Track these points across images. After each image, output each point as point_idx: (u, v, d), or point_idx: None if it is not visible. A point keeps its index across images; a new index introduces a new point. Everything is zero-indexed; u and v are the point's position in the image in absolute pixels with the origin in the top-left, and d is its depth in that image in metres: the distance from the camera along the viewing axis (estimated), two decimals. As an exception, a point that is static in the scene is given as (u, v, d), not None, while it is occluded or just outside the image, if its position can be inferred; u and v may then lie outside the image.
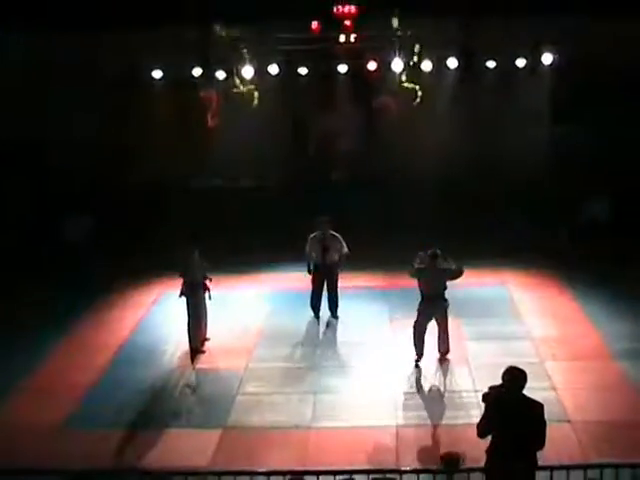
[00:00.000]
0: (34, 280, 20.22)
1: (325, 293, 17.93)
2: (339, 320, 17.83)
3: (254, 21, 21.49)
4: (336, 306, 17.97)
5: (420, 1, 21.12)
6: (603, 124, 22.76)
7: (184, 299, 16.31)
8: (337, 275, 17.79)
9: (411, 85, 22.47)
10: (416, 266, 15.51)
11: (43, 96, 22.47)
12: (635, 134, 22.67)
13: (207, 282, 16.45)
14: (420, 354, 15.67)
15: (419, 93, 22.42)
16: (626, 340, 16.20)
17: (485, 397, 9.81)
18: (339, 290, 17.96)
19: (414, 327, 15.58)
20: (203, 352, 16.42)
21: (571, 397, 14.00)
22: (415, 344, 15.62)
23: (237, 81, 22.64)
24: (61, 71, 22.21)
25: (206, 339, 16.76)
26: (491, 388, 9.75)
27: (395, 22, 21.71)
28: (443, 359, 15.75)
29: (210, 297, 16.54)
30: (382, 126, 24.53)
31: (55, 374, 15.72)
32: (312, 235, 17.47)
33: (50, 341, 17.07)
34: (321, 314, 18.00)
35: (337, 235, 17.46)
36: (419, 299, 15.53)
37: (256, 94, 22.71)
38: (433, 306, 15.46)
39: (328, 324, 17.75)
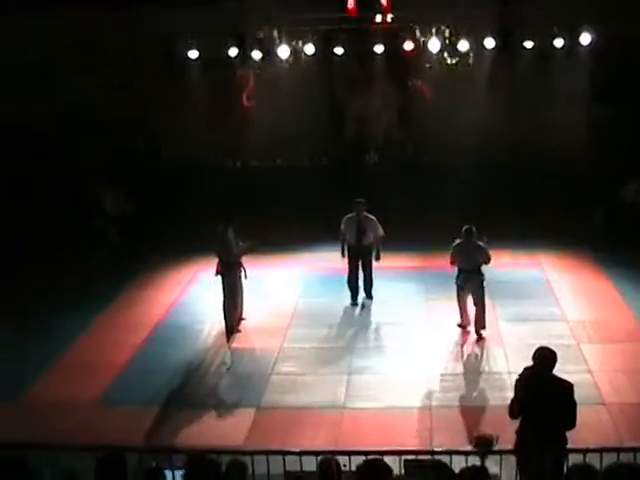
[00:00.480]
0: (79, 252, 20.56)
1: (360, 274, 17.88)
2: (374, 301, 17.80)
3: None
4: (371, 286, 17.92)
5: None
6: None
7: (219, 278, 16.31)
8: (371, 257, 17.69)
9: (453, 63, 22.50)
10: (453, 244, 15.69)
11: (81, 76, 22.56)
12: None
13: (247, 250, 16.38)
14: (465, 323, 16.13)
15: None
16: (663, 323, 16.10)
17: (516, 384, 9.81)
18: (374, 271, 17.88)
19: (457, 299, 15.95)
20: (239, 331, 16.47)
21: (606, 380, 13.92)
22: (460, 315, 16.08)
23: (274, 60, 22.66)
24: (101, 53, 22.29)
25: (242, 318, 16.80)
26: (525, 369, 9.75)
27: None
28: (479, 338, 15.84)
29: (246, 276, 16.53)
30: (419, 108, 24.48)
31: (92, 350, 15.85)
32: (347, 216, 17.38)
33: (88, 317, 17.24)
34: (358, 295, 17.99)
35: (372, 217, 17.38)
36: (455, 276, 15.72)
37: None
38: (470, 279, 15.67)
39: (363, 305, 17.74)
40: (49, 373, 14.92)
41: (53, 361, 15.33)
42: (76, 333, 16.51)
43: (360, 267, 17.73)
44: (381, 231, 17.45)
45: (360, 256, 17.59)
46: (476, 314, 15.85)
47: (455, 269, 15.87)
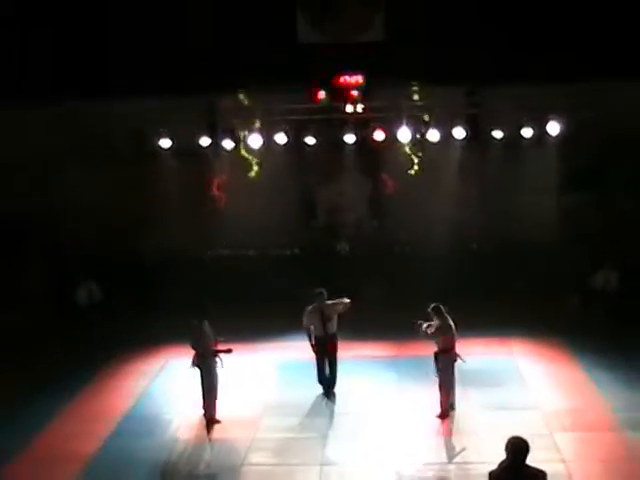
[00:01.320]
0: (46, 345, 20.46)
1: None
2: (346, 390, 17.58)
3: (262, 90, 21.67)
4: (335, 378, 17.73)
5: (427, 70, 21.31)
6: (609, 194, 22.88)
7: (196, 370, 16.23)
8: (337, 345, 17.61)
9: (411, 153, 22.67)
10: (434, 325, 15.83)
11: (55, 167, 22.73)
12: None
13: (220, 351, 16.30)
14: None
15: (415, 163, 22.61)
16: (635, 411, 16.00)
17: (490, 474, 9.72)
18: (338, 360, 17.74)
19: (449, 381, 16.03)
20: (218, 422, 16.30)
21: (580, 469, 13.82)
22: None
23: (243, 151, 22.85)
24: (72, 142, 22.44)
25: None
26: (500, 463, 9.67)
27: (415, 95, 22.00)
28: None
29: (222, 365, 16.41)
30: (390, 197, 24.69)
31: (56, 442, 15.61)
32: (309, 309, 17.30)
33: (53, 408, 17.01)
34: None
35: (333, 301, 17.37)
36: (429, 364, 15.93)
37: (255, 165, 22.92)
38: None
39: (334, 394, 17.58)
40: (11, 466, 14.63)
41: (16, 453, 15.05)
42: (43, 423, 16.30)
43: (326, 358, 17.61)
44: (345, 301, 17.44)
45: (327, 346, 17.45)
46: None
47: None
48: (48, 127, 22.23)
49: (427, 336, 15.97)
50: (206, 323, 16.21)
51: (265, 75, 20.95)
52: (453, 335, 15.84)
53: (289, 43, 22.02)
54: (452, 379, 16.07)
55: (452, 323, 15.84)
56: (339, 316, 17.43)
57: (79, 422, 16.46)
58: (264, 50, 21.47)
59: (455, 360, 15.93)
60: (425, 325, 15.97)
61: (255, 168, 23.05)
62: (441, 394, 16.07)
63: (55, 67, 21.69)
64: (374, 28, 22.22)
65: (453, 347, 15.91)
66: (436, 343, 15.90)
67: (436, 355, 15.96)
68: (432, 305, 15.89)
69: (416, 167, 22.82)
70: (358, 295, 18.55)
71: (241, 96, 22.40)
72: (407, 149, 22.72)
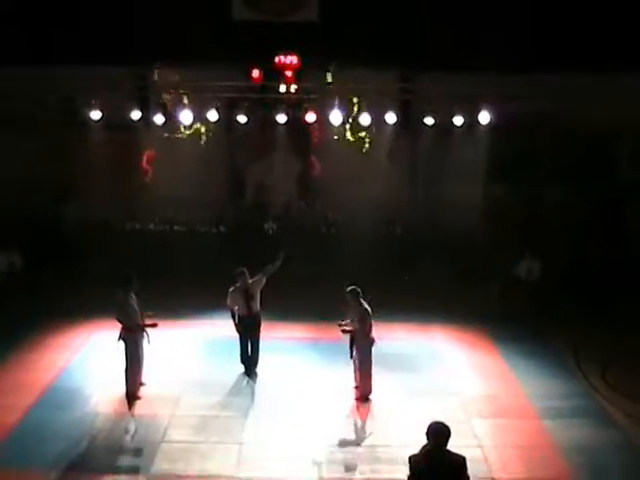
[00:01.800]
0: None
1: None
2: (268, 370, 17.59)
3: (195, 66, 21.58)
4: (257, 358, 17.74)
5: (361, 53, 21.40)
6: (535, 185, 23.20)
7: (121, 343, 16.08)
8: (260, 325, 17.61)
9: (357, 137, 22.83)
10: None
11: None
12: (563, 196, 23.18)
13: (147, 325, 16.21)
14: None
15: (366, 143, 22.79)
16: (552, 398, 16.31)
17: (411, 458, 9.84)
18: (261, 340, 17.74)
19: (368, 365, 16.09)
20: (139, 398, 16.21)
21: (496, 455, 14.02)
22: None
23: (180, 126, 22.79)
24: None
25: (142, 384, 16.56)
26: (422, 447, 9.78)
27: (329, 77, 22.07)
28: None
29: (149, 341, 16.35)
30: (319, 178, 24.77)
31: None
32: (232, 289, 17.24)
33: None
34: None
35: (255, 278, 17.35)
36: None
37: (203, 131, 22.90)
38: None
39: (256, 374, 17.62)
40: None
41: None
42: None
43: (249, 339, 17.63)
44: (271, 267, 17.48)
45: (251, 326, 17.47)
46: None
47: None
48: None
49: (350, 332, 16.08)
50: (132, 296, 16.06)
51: (199, 51, 20.89)
52: (370, 319, 15.96)
53: (224, 20, 22.00)
54: (370, 363, 16.20)
55: (368, 307, 15.93)
56: (261, 295, 17.45)
57: (1, 394, 16.25)
58: (199, 26, 21.42)
59: (372, 344, 16.05)
60: (344, 325, 16.10)
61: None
62: (361, 378, 16.20)
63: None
64: (308, 7, 22.30)
65: (370, 331, 16.03)
66: (354, 328, 15.99)
67: (352, 339, 16.10)
68: (349, 288, 15.94)
69: (367, 146, 22.99)
70: (282, 275, 18.56)
71: (173, 71, 22.28)
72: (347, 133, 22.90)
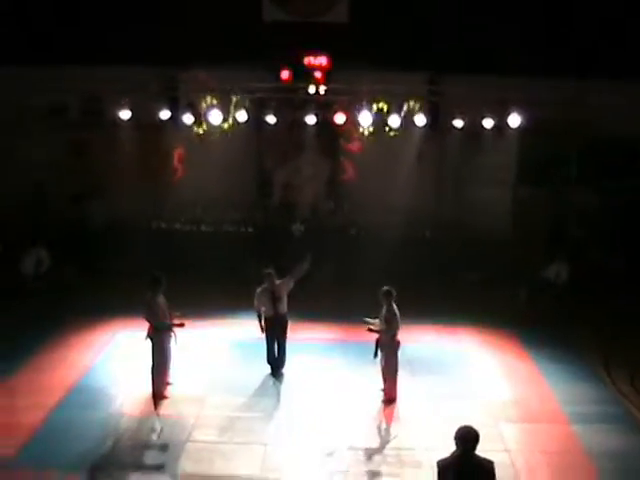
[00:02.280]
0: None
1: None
2: (294, 372, 17.54)
3: (224, 67, 21.57)
4: (284, 359, 17.70)
5: (391, 55, 21.35)
6: (564, 189, 23.08)
7: (149, 341, 16.04)
8: (287, 326, 17.55)
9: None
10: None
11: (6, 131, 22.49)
12: (592, 201, 23.06)
13: (174, 325, 16.17)
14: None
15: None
16: (581, 403, 16.19)
17: (439, 463, 9.72)
18: (287, 342, 17.67)
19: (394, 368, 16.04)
20: (166, 397, 16.20)
21: (523, 460, 13.92)
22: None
23: (204, 126, 22.77)
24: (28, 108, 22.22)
25: (168, 383, 16.55)
26: (453, 453, 9.68)
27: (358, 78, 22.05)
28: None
29: (176, 341, 16.30)
30: (347, 181, 24.72)
31: (4, 412, 15.33)
32: (259, 290, 17.18)
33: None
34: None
35: (283, 279, 17.28)
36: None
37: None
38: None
39: (282, 375, 17.56)
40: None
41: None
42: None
43: (276, 340, 17.56)
44: (297, 271, 17.42)
45: (278, 327, 17.42)
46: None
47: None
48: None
49: (377, 331, 15.99)
50: (161, 296, 16.03)
51: (229, 52, 20.91)
52: (397, 323, 15.87)
53: (254, 21, 22.03)
54: (396, 366, 16.11)
55: (397, 311, 15.85)
56: (289, 297, 17.39)
57: (25, 394, 16.19)
58: (229, 27, 21.44)
59: (398, 347, 15.96)
60: (371, 324, 16.02)
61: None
62: (388, 381, 16.12)
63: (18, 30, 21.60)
64: (338, 8, 22.29)
65: (396, 334, 15.94)
66: (380, 328, 15.91)
67: (377, 341, 16.01)
68: (385, 288, 15.89)
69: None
70: (310, 277, 18.48)
71: (203, 71, 22.29)
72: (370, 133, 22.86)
